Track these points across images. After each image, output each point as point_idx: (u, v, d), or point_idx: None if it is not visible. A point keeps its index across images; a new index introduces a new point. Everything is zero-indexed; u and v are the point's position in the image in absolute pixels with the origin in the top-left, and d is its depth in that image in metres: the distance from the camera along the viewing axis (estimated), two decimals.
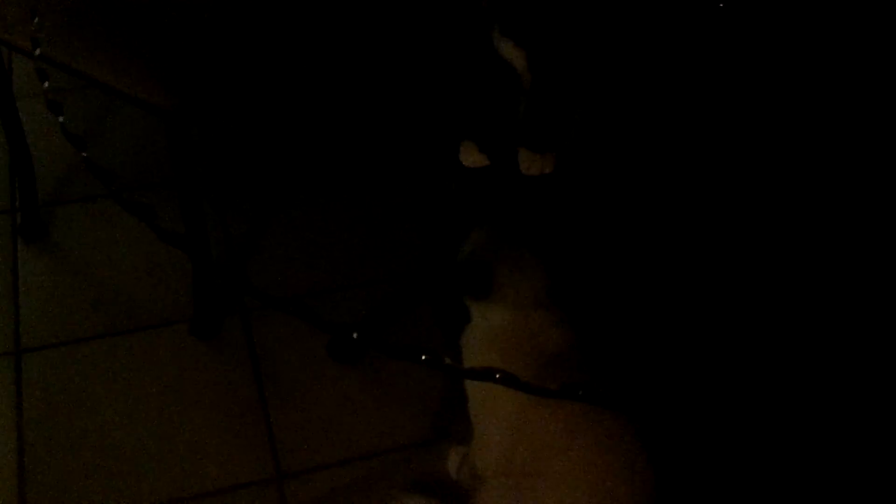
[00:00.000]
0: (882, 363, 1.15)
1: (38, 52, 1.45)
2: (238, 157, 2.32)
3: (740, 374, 1.16)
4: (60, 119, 1.36)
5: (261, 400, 1.93)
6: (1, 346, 1.99)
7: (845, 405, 1.14)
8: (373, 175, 1.39)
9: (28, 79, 2.27)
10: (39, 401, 1.92)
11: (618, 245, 1.29)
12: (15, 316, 2.04)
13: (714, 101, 1.35)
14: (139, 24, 1.71)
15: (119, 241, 2.17)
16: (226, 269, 2.00)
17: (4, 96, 2.01)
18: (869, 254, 1.26)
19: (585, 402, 1.27)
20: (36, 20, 1.50)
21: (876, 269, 1.25)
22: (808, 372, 1.16)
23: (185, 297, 2.04)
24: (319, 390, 1.95)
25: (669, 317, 1.25)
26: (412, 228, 1.89)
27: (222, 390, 1.95)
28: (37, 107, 2.23)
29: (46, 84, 1.39)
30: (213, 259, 1.97)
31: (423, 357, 1.17)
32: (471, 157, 1.30)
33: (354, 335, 1.19)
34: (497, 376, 1.15)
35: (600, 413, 1.33)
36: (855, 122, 1.34)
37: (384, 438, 1.88)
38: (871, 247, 1.26)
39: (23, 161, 2.11)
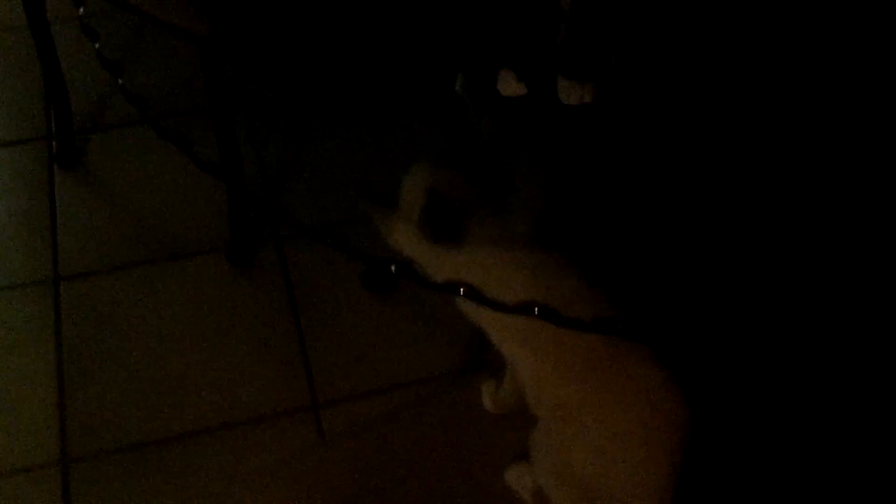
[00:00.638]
0: (882, 363, 1.14)
1: None
2: (271, 86, 2.30)
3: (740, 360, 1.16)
4: (96, 45, 1.35)
5: (296, 328, 1.94)
6: (39, 274, 2.01)
7: (845, 405, 1.13)
8: (406, 105, 1.37)
9: (60, 3, 2.26)
10: (78, 328, 1.93)
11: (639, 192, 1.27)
12: (53, 243, 2.05)
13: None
14: None
15: (154, 168, 2.17)
16: (260, 198, 2.00)
17: (39, 22, 2.00)
18: (869, 254, 1.24)
19: (620, 335, 1.26)
20: None
21: (876, 269, 1.23)
22: (808, 372, 1.15)
23: (221, 224, 2.04)
24: (353, 320, 1.95)
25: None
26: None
27: (258, 318, 1.96)
28: (70, 32, 2.25)
29: (82, 10, 1.37)
30: (247, 187, 1.96)
31: (461, 290, 1.17)
32: (510, 87, 1.28)
33: (392, 267, 1.18)
34: (536, 310, 1.14)
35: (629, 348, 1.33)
36: (856, 122, 1.31)
37: (418, 369, 1.89)
38: (871, 247, 1.24)
39: (58, 88, 2.10)
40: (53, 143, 2.18)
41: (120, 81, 1.31)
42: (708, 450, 1.30)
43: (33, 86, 2.32)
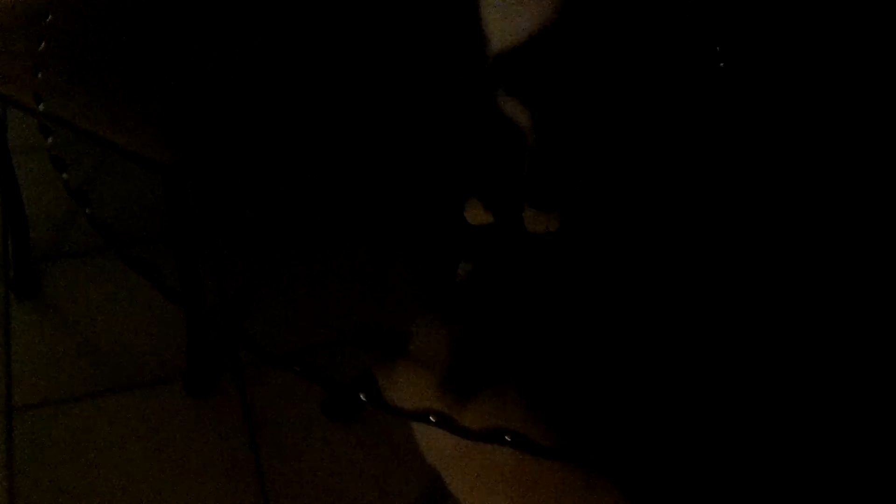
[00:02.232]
0: (882, 363, 1.16)
1: (41, 107, 1.44)
2: (233, 213, 2.31)
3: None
4: (64, 175, 1.36)
5: (255, 460, 1.91)
6: None
7: (845, 406, 1.14)
8: (372, 231, 1.39)
9: (21, 133, 2.27)
10: (31, 460, 1.89)
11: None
12: (7, 373, 2.02)
13: (716, 165, 1.36)
14: (139, 80, 1.71)
15: (112, 297, 2.16)
16: (222, 324, 1.99)
17: (0, 151, 2.01)
18: (869, 255, 1.27)
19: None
20: (39, 75, 1.49)
21: (876, 269, 1.25)
22: (807, 376, 1.16)
23: (178, 354, 2.02)
24: (314, 450, 1.93)
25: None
26: (411, 284, 1.88)
27: (216, 449, 1.93)
28: (30, 162, 2.26)
29: (50, 140, 1.38)
30: (208, 314, 1.95)
31: (432, 419, 1.16)
32: (476, 215, 1.30)
33: (362, 396, 1.17)
34: (507, 438, 1.14)
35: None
36: (854, 169, 1.36)
37: (381, 500, 1.86)
38: (872, 249, 1.27)
39: (17, 216, 2.10)
40: (10, 271, 2.17)
41: (87, 211, 1.31)
42: None
43: None
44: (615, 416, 1.19)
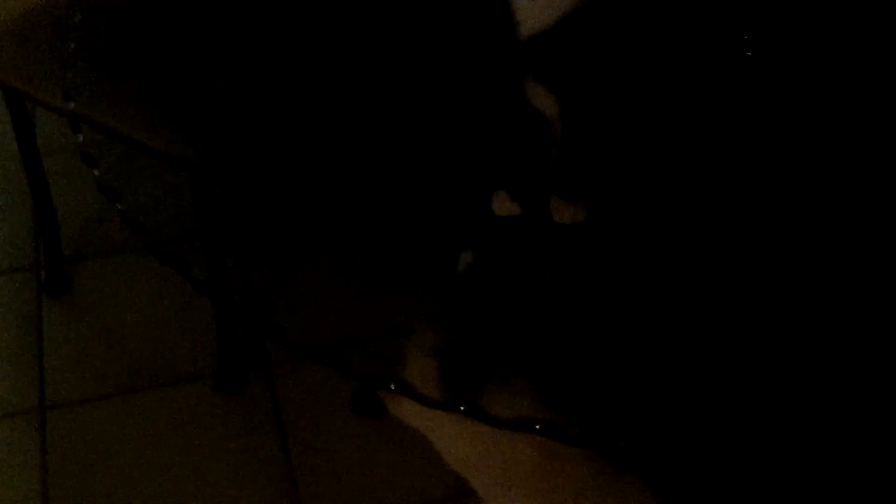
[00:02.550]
0: (882, 363, 1.15)
1: (71, 105, 1.46)
2: (262, 209, 2.32)
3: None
4: (95, 172, 1.37)
5: (285, 456, 1.92)
6: (25, 403, 1.99)
7: (845, 406, 1.13)
8: (399, 225, 1.39)
9: (49, 134, 2.29)
10: (64, 458, 1.91)
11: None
12: (39, 372, 2.04)
13: (743, 157, 1.36)
14: (165, 79, 1.73)
15: (142, 296, 2.17)
16: (251, 318, 1.99)
17: (30, 152, 2.03)
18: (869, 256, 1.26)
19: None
20: (69, 74, 1.51)
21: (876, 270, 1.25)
22: (807, 376, 1.15)
23: (207, 352, 2.03)
24: (343, 445, 1.94)
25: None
26: (438, 278, 1.88)
27: (246, 446, 1.94)
28: (58, 162, 2.28)
29: (81, 137, 1.39)
30: (237, 308, 1.96)
31: (462, 407, 1.16)
32: (503, 207, 1.31)
33: (392, 386, 1.18)
34: (537, 426, 1.14)
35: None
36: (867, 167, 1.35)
37: (409, 494, 1.87)
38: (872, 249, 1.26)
39: (48, 217, 2.12)
40: (42, 271, 2.19)
41: (119, 207, 1.32)
42: None
43: (23, 215, 2.33)
44: (632, 408, 1.19)
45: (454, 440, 1.54)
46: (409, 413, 1.57)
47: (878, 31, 1.45)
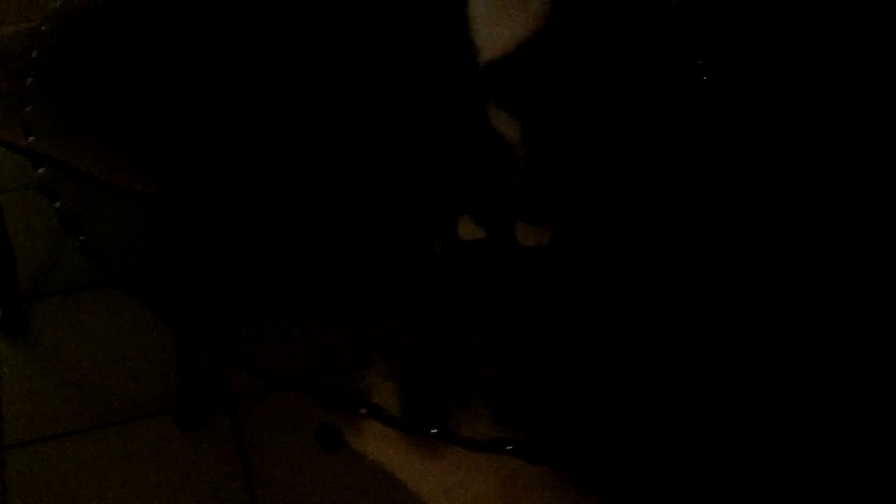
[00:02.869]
0: (882, 363, 1.17)
1: (31, 139, 1.45)
2: (221, 241, 2.32)
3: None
4: (56, 204, 1.36)
5: (249, 489, 1.91)
6: None
7: (845, 406, 1.15)
8: (362, 255, 1.39)
9: (4, 173, 2.28)
10: (24, 498, 1.88)
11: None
12: None
13: (704, 176, 1.38)
14: (120, 113, 1.73)
15: (100, 333, 2.15)
16: (220, 346, 1.97)
17: None
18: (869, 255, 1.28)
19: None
20: (28, 108, 1.50)
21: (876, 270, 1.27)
22: (807, 376, 1.17)
23: (168, 389, 2.02)
24: (308, 478, 1.93)
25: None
26: (400, 308, 1.89)
27: (209, 481, 1.92)
28: (13, 201, 2.27)
29: (42, 170, 1.39)
30: (204, 338, 1.95)
31: (433, 430, 1.17)
32: (469, 231, 1.32)
33: (363, 410, 1.18)
34: (509, 447, 1.15)
35: None
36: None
37: None
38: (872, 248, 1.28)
39: (4, 256, 2.09)
40: None
41: (81, 239, 1.32)
42: None
43: None
44: (598, 426, 1.20)
45: (418, 471, 1.55)
46: (371, 445, 1.57)
47: (831, 52, 1.49)
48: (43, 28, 1.65)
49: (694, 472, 1.19)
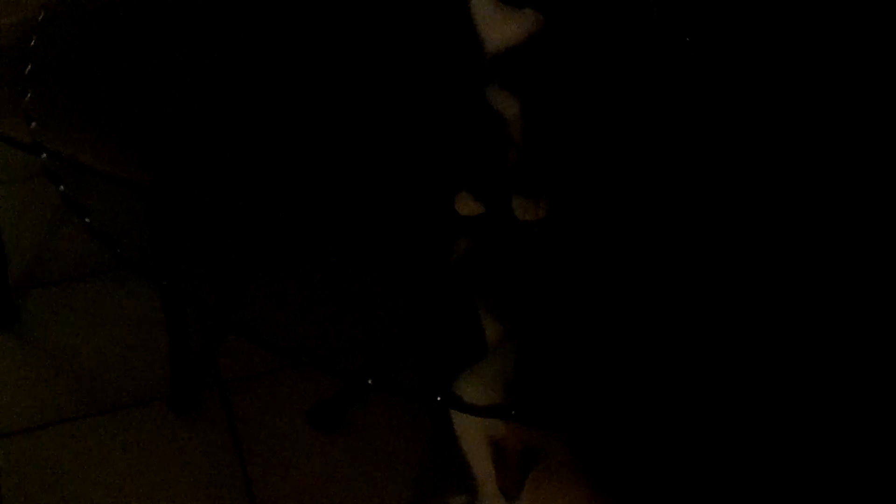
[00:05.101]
0: (882, 363, 1.20)
1: (33, 125, 1.47)
2: (214, 229, 2.34)
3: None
4: (61, 188, 1.39)
5: (243, 473, 1.93)
6: None
7: (845, 406, 1.18)
8: (360, 241, 1.41)
9: None
10: (18, 486, 1.90)
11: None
12: None
13: (696, 153, 1.42)
14: (115, 103, 1.75)
15: (91, 323, 2.17)
16: (227, 318, 1.97)
17: None
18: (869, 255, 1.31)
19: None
20: (29, 96, 1.52)
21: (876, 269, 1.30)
22: (807, 375, 1.20)
23: (159, 376, 2.04)
24: (301, 460, 1.96)
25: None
26: (398, 295, 1.92)
27: (204, 466, 1.95)
28: (6, 192, 2.29)
29: (44, 155, 1.41)
30: (211, 310, 1.96)
31: (438, 397, 1.20)
32: (467, 206, 1.36)
33: (369, 381, 1.21)
34: (513, 412, 1.18)
35: None
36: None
37: None
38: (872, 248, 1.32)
39: None
40: None
41: (87, 220, 1.34)
42: None
43: None
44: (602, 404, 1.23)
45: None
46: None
47: (820, 29, 1.52)
48: (41, 17, 1.66)
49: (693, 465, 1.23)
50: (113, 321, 2.16)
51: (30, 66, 1.58)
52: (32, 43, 1.63)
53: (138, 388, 2.07)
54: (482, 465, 1.47)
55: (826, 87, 1.47)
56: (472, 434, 1.40)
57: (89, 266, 2.25)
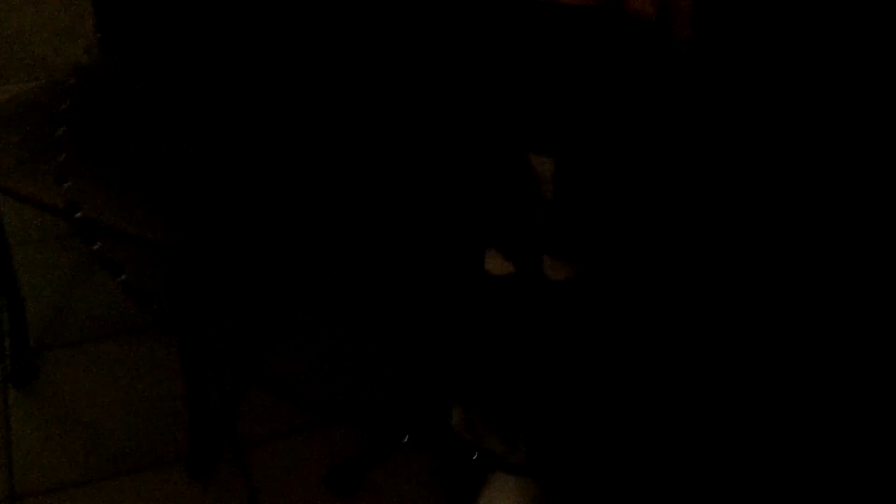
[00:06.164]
0: (882, 363, 1.21)
1: (67, 185, 1.49)
2: (236, 287, 2.34)
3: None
4: (95, 247, 1.40)
5: None
6: None
7: (845, 406, 1.18)
8: (380, 302, 1.42)
9: (15, 226, 2.31)
10: None
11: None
12: (8, 462, 2.02)
13: (723, 211, 1.44)
14: (135, 163, 1.77)
15: (110, 384, 2.17)
16: (258, 373, 1.98)
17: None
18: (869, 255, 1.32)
19: None
20: (63, 157, 1.55)
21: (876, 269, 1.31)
22: (807, 375, 1.20)
23: (178, 438, 2.04)
24: None
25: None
26: (414, 354, 1.93)
27: None
28: (24, 253, 2.30)
29: (79, 214, 1.43)
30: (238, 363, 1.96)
31: (475, 455, 1.21)
32: (497, 265, 1.37)
33: (406, 437, 1.22)
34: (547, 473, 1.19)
35: None
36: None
37: None
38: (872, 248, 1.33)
39: (15, 307, 2.12)
40: (7, 361, 2.18)
41: (122, 278, 1.36)
42: None
43: None
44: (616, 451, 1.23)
45: None
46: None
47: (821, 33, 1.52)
48: (72, 81, 1.69)
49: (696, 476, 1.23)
50: (131, 383, 2.16)
51: (63, 128, 1.60)
52: (64, 106, 1.66)
53: (156, 450, 2.06)
54: None
55: (826, 88, 1.48)
56: None
57: (107, 326, 2.26)
